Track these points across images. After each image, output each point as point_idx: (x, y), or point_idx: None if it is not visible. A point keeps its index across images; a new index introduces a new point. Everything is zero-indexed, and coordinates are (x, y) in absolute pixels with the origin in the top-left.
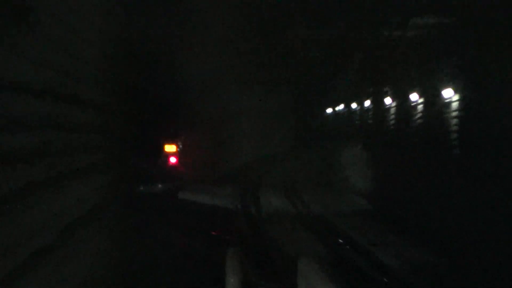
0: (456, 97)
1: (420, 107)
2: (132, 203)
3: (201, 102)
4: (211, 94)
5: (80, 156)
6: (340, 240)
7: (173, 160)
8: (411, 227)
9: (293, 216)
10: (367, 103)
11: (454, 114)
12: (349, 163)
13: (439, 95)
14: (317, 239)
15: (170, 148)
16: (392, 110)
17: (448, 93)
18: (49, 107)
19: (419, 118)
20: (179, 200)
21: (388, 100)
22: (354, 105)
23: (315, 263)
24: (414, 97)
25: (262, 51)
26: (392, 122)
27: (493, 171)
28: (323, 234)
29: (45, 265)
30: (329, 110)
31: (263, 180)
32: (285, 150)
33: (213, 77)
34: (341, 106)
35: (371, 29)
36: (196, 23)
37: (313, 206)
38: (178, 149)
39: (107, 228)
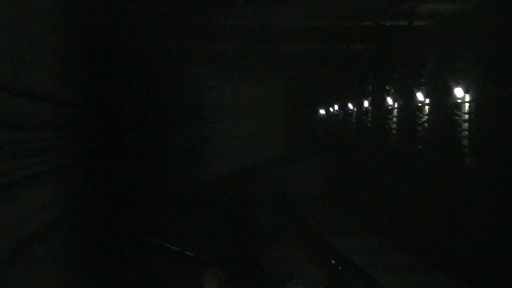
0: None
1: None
2: (96, 215)
3: (175, 98)
4: (188, 88)
5: (34, 159)
6: (332, 261)
7: None
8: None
9: (283, 234)
10: (370, 102)
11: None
12: (349, 173)
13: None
14: (308, 259)
15: None
16: (398, 111)
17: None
18: None
19: (429, 120)
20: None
21: (392, 99)
22: (355, 105)
23: (305, 285)
24: (421, 96)
25: (250, 41)
26: (399, 124)
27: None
28: (315, 253)
29: None
30: (325, 111)
31: (249, 192)
32: (275, 158)
33: (190, 68)
34: (340, 106)
35: (374, 18)
36: (168, 8)
37: (306, 222)
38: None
39: (66, 244)
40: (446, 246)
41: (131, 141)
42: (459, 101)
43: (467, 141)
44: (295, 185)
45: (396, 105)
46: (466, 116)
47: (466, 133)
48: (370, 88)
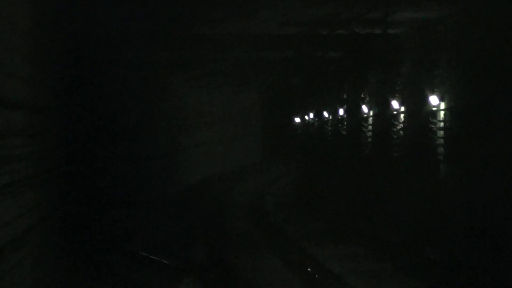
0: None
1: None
2: (72, 222)
3: (151, 105)
4: (164, 95)
5: (10, 167)
6: (309, 269)
7: None
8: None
9: (260, 242)
10: (348, 109)
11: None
12: (327, 178)
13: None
14: (286, 267)
15: None
16: (373, 119)
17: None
18: None
19: (402, 127)
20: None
21: (367, 107)
22: (330, 113)
23: None
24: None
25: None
26: (374, 131)
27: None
28: (293, 261)
29: None
30: (305, 117)
31: (226, 199)
32: (253, 163)
33: (167, 74)
34: (315, 113)
35: (349, 25)
36: (144, 16)
37: (282, 229)
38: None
39: (42, 252)
40: (421, 252)
41: (107, 148)
42: (434, 108)
43: (442, 148)
44: (271, 191)
45: (371, 113)
46: (441, 124)
47: (441, 140)
48: (345, 96)
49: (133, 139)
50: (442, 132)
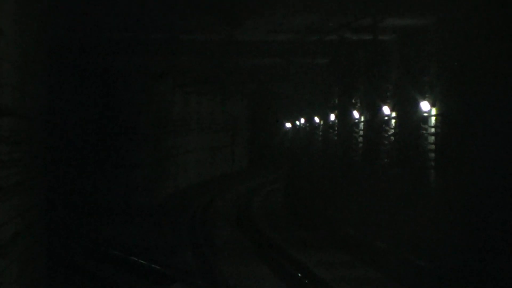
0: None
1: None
2: (58, 228)
3: (138, 112)
4: (151, 102)
5: None
6: (298, 274)
7: None
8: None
9: (247, 248)
10: (333, 116)
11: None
12: (314, 186)
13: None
14: (273, 273)
15: None
16: (362, 125)
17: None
18: None
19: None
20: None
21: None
22: (319, 119)
23: None
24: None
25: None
26: (362, 139)
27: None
28: (280, 267)
29: None
30: (290, 125)
31: (212, 206)
32: (239, 172)
33: (154, 81)
34: (306, 120)
35: (337, 32)
36: (131, 20)
37: (270, 236)
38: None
39: (28, 258)
40: (409, 259)
41: (94, 155)
42: (425, 114)
43: (432, 154)
44: (258, 198)
45: (362, 119)
46: (433, 130)
47: (433, 146)
48: (336, 102)
49: (119, 147)
50: (433, 137)
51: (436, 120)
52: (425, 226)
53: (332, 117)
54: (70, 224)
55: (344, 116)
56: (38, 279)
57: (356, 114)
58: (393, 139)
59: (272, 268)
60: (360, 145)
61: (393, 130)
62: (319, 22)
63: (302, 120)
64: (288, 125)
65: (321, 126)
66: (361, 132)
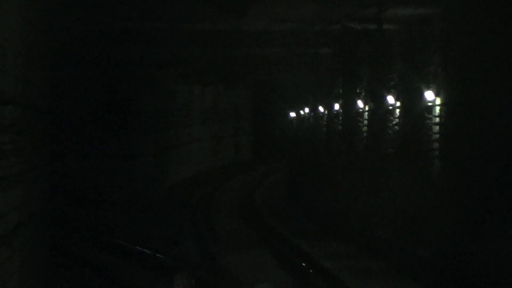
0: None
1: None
2: (62, 218)
3: (141, 102)
4: (154, 92)
5: (0, 162)
6: (303, 264)
7: None
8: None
9: (251, 238)
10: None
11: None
12: (319, 177)
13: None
14: (277, 263)
15: None
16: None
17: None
18: None
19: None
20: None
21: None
22: (324, 108)
23: None
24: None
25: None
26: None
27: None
28: (284, 257)
29: None
30: (295, 114)
31: (216, 196)
32: (242, 162)
33: (157, 71)
34: (310, 109)
35: (341, 22)
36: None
37: (274, 226)
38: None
39: (31, 248)
40: (412, 251)
41: (98, 145)
42: (429, 104)
43: (437, 144)
44: (261, 188)
45: (366, 108)
46: (437, 119)
47: (437, 136)
48: (340, 91)
49: (122, 137)
50: (437, 127)
51: (440, 109)
52: (429, 216)
53: (337, 106)
54: (73, 214)
55: (348, 105)
56: (41, 269)
57: (360, 103)
58: (397, 128)
59: (276, 258)
60: (365, 134)
61: (397, 120)
62: (323, 11)
63: (306, 110)
64: (292, 114)
65: (325, 116)
66: (365, 122)
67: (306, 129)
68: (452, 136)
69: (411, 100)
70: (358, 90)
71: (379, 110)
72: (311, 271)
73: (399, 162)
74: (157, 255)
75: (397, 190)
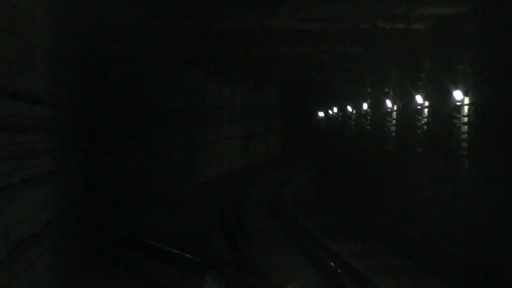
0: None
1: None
2: (90, 217)
3: (170, 101)
4: (183, 91)
5: (30, 161)
6: (331, 264)
7: None
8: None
9: (280, 237)
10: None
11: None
12: (348, 174)
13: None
14: (308, 263)
15: None
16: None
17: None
18: None
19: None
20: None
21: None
22: (352, 108)
23: None
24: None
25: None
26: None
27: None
28: (315, 258)
29: None
30: (324, 113)
31: (246, 194)
32: (271, 160)
33: (187, 69)
34: (338, 108)
35: (370, 21)
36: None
37: (303, 225)
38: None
39: (60, 246)
40: (442, 249)
41: (126, 144)
42: (458, 103)
43: (466, 143)
44: (291, 187)
45: (395, 108)
46: (465, 119)
47: (466, 135)
48: (368, 91)
49: (151, 135)
50: (465, 127)
51: (469, 109)
52: (459, 215)
53: (365, 106)
54: (102, 212)
55: (377, 105)
56: (71, 267)
57: (388, 103)
58: (425, 128)
59: (305, 257)
60: (393, 134)
61: (425, 120)
62: (352, 10)
63: (335, 109)
64: (321, 113)
65: (354, 115)
66: (394, 121)
67: (335, 128)
68: (481, 136)
69: (440, 99)
70: (386, 90)
71: (408, 109)
72: (339, 270)
73: (428, 161)
74: (185, 254)
75: (427, 189)
